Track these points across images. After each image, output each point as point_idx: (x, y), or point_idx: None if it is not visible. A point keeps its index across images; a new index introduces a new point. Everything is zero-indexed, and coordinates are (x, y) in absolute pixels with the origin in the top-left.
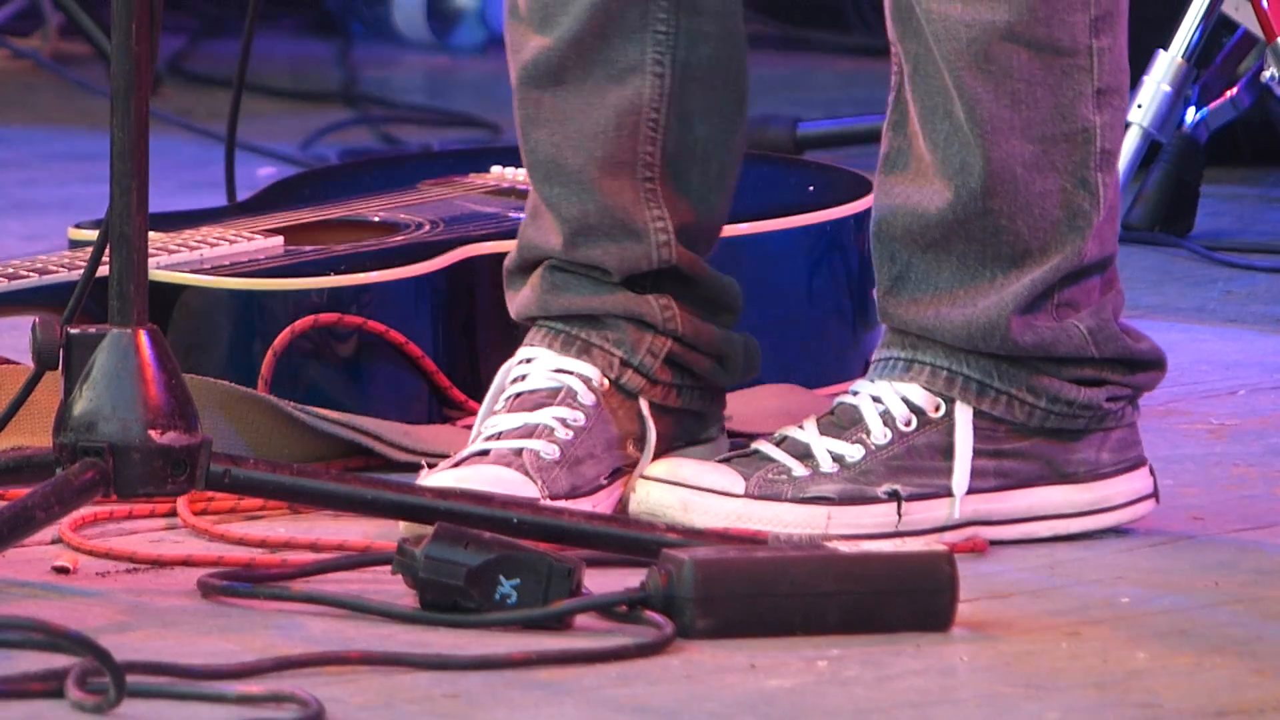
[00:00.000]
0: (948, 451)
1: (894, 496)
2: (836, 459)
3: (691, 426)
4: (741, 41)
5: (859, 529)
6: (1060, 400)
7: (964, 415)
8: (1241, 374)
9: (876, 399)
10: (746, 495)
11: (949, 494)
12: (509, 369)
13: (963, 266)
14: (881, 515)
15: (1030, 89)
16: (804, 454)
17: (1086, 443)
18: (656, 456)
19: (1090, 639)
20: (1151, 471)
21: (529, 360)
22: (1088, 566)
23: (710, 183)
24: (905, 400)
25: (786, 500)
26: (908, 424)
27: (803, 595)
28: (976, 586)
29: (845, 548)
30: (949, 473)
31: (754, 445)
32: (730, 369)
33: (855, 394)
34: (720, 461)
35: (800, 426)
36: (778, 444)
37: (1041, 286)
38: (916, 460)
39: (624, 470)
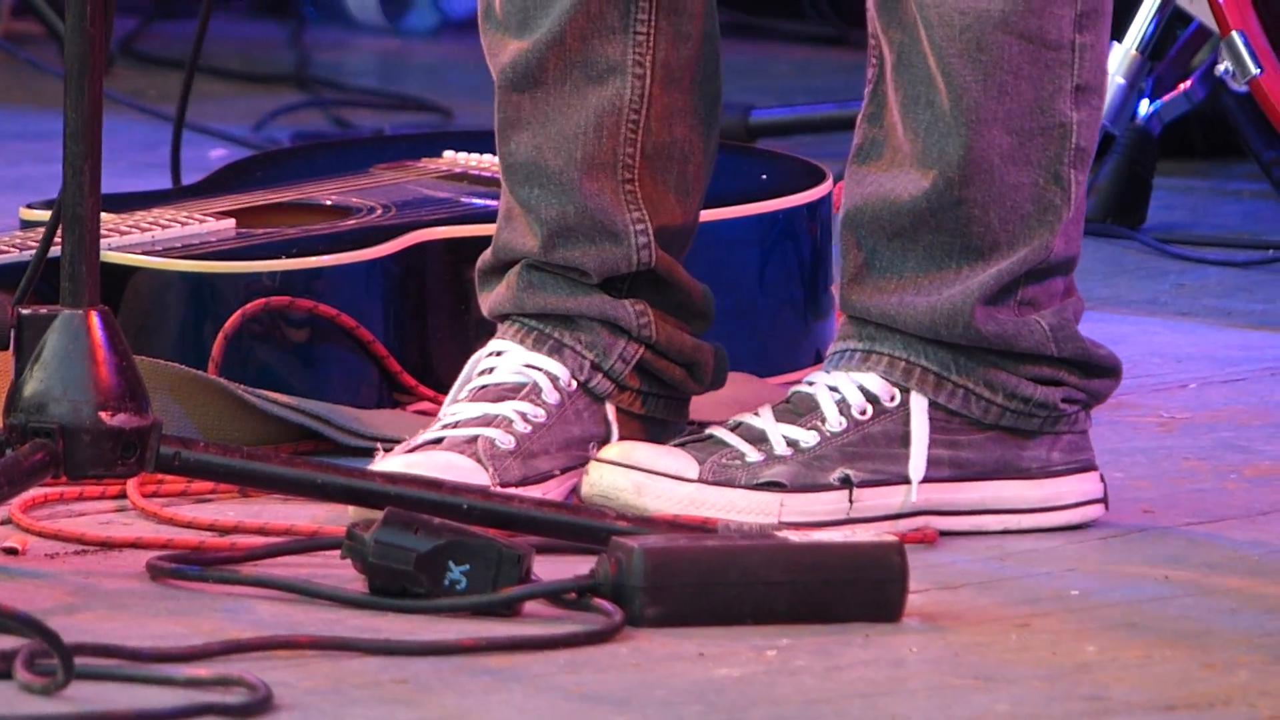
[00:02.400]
0: (904, 439)
1: (845, 483)
2: (790, 443)
3: (655, 434)
4: (718, 42)
5: (811, 516)
6: (1017, 397)
7: (920, 405)
8: (1192, 367)
9: (833, 388)
10: (700, 480)
11: (904, 481)
12: (478, 360)
13: (929, 256)
14: (833, 503)
15: (1016, 81)
16: (758, 439)
17: (1039, 442)
18: None
19: (1040, 631)
20: (1102, 478)
21: (499, 353)
22: (1038, 558)
23: (688, 184)
24: (862, 389)
25: (740, 486)
26: (863, 413)
27: (752, 584)
28: (926, 577)
29: (795, 537)
30: (904, 459)
31: (708, 430)
32: (700, 378)
33: (811, 384)
34: (675, 445)
35: (756, 414)
36: (732, 429)
37: (1008, 278)
38: (871, 447)
39: (577, 469)
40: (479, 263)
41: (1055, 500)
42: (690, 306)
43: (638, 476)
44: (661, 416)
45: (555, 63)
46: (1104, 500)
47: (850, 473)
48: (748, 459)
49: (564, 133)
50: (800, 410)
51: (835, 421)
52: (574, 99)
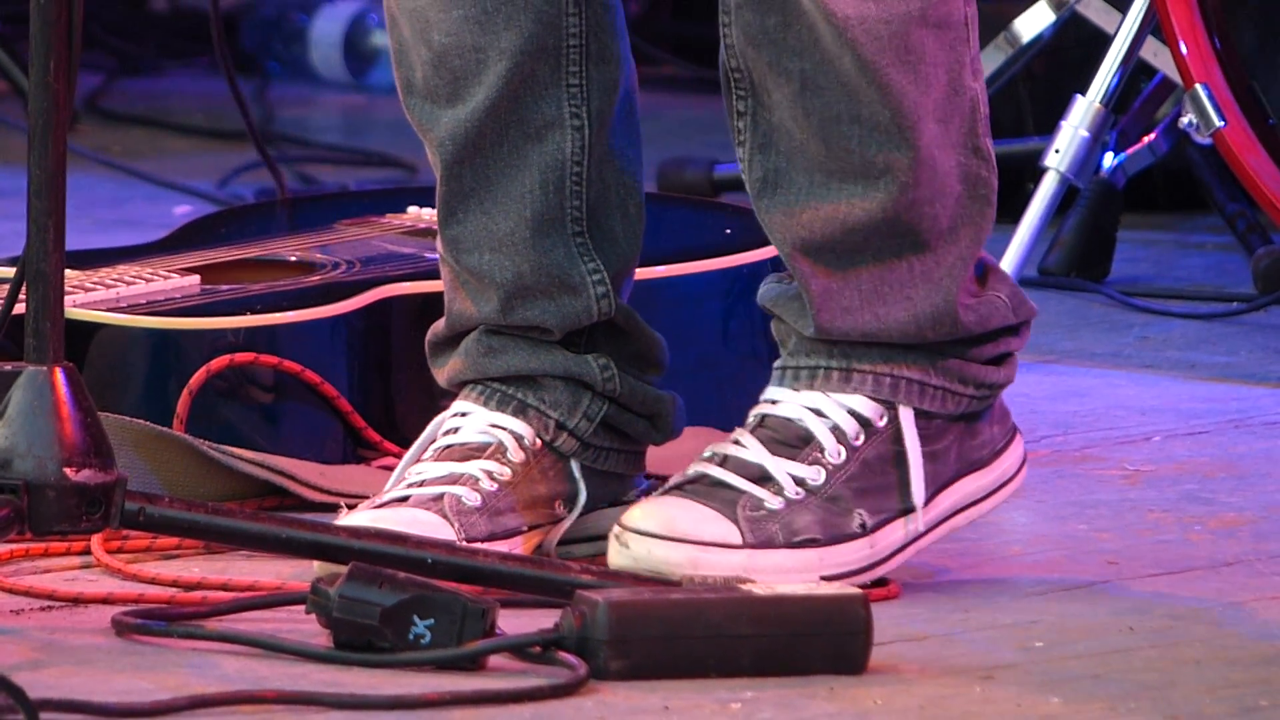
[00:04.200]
0: (897, 459)
1: (864, 529)
2: (799, 483)
3: (614, 488)
4: (635, 83)
5: (844, 568)
6: (982, 385)
7: (908, 419)
8: (1157, 420)
9: (818, 411)
10: (745, 545)
11: (906, 511)
12: (441, 421)
13: (877, 261)
14: (859, 550)
15: (935, 70)
16: (758, 476)
17: (985, 421)
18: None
19: (1004, 683)
20: (1017, 429)
21: (463, 414)
22: (1002, 611)
23: (631, 225)
24: (852, 413)
25: (780, 546)
26: (857, 437)
27: (717, 637)
28: (890, 630)
29: (760, 590)
30: (900, 486)
31: (693, 468)
32: (661, 429)
33: (775, 403)
34: (667, 493)
35: (738, 443)
36: (720, 464)
37: (969, 262)
38: (871, 478)
39: (544, 526)
40: (430, 335)
41: (1002, 478)
42: (647, 355)
43: (691, 551)
44: (620, 471)
45: (492, 128)
46: (1024, 454)
47: (866, 519)
48: (768, 506)
49: (510, 195)
50: (790, 440)
51: (834, 452)
52: (515, 160)
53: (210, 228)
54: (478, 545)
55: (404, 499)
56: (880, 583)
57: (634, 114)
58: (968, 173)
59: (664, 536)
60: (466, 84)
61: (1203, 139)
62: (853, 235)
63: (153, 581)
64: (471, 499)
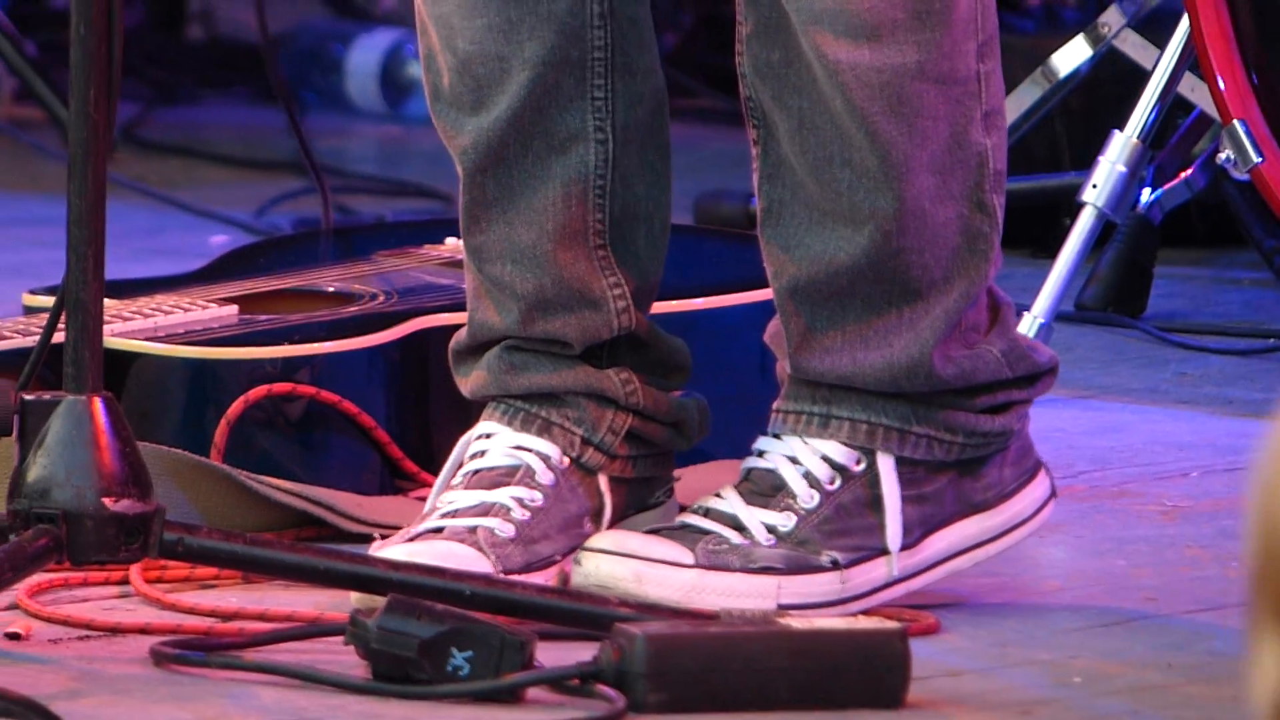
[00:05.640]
0: (875, 504)
1: (836, 565)
2: (770, 530)
3: (641, 493)
4: (665, 97)
5: (808, 598)
6: (975, 433)
7: (887, 465)
8: (1194, 456)
9: (793, 459)
10: (697, 565)
11: (883, 552)
12: (467, 442)
13: (867, 306)
14: (828, 584)
15: (934, 123)
16: (734, 524)
17: (991, 465)
18: (608, 527)
19: (1042, 719)
20: (1048, 472)
21: (488, 435)
22: (1040, 646)
23: (655, 241)
24: (826, 459)
25: (737, 570)
26: (831, 482)
27: (755, 671)
28: (928, 665)
29: (798, 624)
30: (880, 529)
31: (679, 519)
32: (686, 434)
33: (762, 454)
34: (650, 533)
35: (719, 495)
36: (703, 515)
37: (955, 316)
38: (846, 520)
39: (576, 549)
40: (453, 343)
41: (1015, 520)
42: (669, 362)
43: (636, 565)
44: (648, 475)
45: (515, 139)
46: (1054, 492)
47: (837, 556)
48: (733, 542)
49: (533, 207)
50: (765, 490)
51: (806, 497)
52: (538, 171)
53: (248, 258)
54: (515, 577)
55: (438, 530)
56: (919, 620)
57: (663, 130)
58: (968, 227)
59: (612, 552)
60: (490, 92)
61: (1240, 175)
62: (838, 278)
63: (190, 611)
64: (505, 530)
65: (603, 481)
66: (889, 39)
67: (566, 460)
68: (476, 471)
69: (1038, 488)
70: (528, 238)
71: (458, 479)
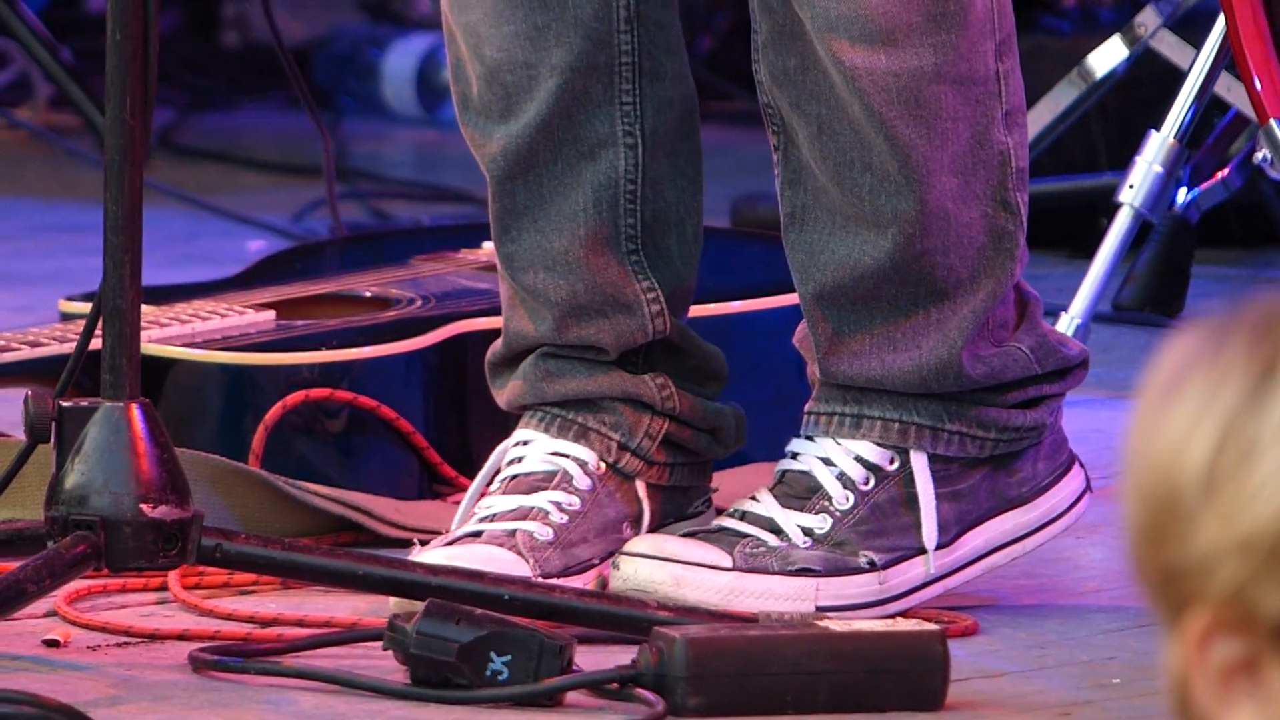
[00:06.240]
0: (910, 502)
1: (873, 566)
2: (806, 532)
3: (680, 501)
4: (695, 102)
5: (846, 599)
6: (1008, 429)
7: (920, 463)
8: None
9: (827, 460)
10: (735, 569)
11: (920, 552)
12: (504, 450)
13: (894, 307)
14: (865, 585)
15: (955, 124)
16: (771, 528)
17: (1025, 460)
18: (647, 533)
19: None
20: (1081, 465)
21: (525, 443)
22: (1078, 647)
23: (688, 246)
24: (859, 459)
25: (775, 573)
26: (866, 482)
27: (794, 674)
28: (967, 666)
29: (837, 626)
30: (915, 528)
31: (715, 523)
32: (723, 441)
33: (795, 456)
34: (685, 536)
35: (754, 499)
36: (740, 518)
37: (983, 315)
38: (882, 520)
39: (614, 554)
40: (489, 355)
41: (1050, 514)
42: (705, 369)
43: (675, 568)
44: (686, 484)
45: (545, 145)
46: (1089, 486)
47: (874, 557)
48: (770, 544)
49: (564, 213)
50: (800, 492)
51: (841, 498)
52: (568, 178)
53: (285, 263)
54: (554, 581)
55: (477, 534)
56: (958, 623)
57: (694, 134)
58: (993, 226)
59: (651, 556)
60: (518, 100)
61: (1276, 174)
62: (864, 282)
63: (229, 617)
64: (543, 534)
65: (640, 487)
66: (904, 42)
67: (603, 466)
68: (514, 477)
69: (1072, 481)
70: (559, 244)
71: (495, 485)
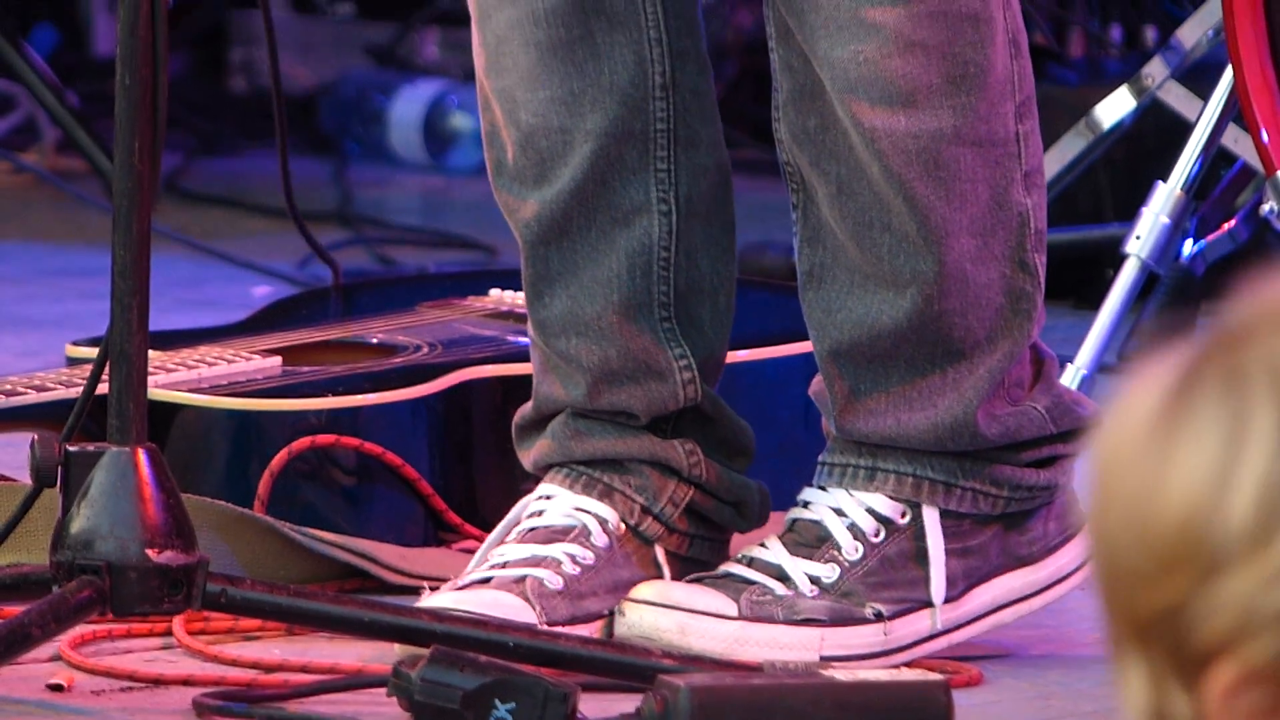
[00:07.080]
0: (920, 556)
1: (879, 617)
2: (814, 581)
3: (696, 573)
4: (729, 172)
5: (850, 649)
6: (1021, 487)
7: (932, 518)
8: None
9: (839, 511)
10: (741, 618)
11: (928, 605)
12: (526, 503)
13: (911, 367)
14: (870, 635)
15: (974, 186)
16: (778, 575)
17: (1036, 520)
18: None
19: None
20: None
21: (548, 497)
22: (1083, 696)
23: (720, 316)
24: (871, 511)
25: (780, 622)
26: (876, 534)
27: None
28: (971, 716)
29: (842, 676)
30: (925, 582)
31: (722, 568)
32: (746, 516)
33: (807, 505)
34: (691, 582)
35: (764, 545)
36: (747, 564)
37: (999, 375)
38: (891, 572)
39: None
40: (517, 418)
41: (1059, 574)
42: (734, 442)
43: (680, 617)
44: (705, 559)
45: (579, 211)
46: None
47: (881, 609)
48: (777, 593)
49: (597, 279)
50: (810, 540)
51: (851, 549)
52: (602, 244)
53: (291, 309)
54: (559, 629)
55: (486, 580)
56: (962, 673)
57: (728, 204)
58: (1011, 287)
59: (656, 603)
60: (553, 166)
61: None
62: (881, 341)
63: (234, 663)
64: (554, 582)
65: (660, 553)
66: (924, 105)
67: (624, 527)
68: (533, 529)
69: (1082, 541)
70: (592, 310)
71: (512, 535)
